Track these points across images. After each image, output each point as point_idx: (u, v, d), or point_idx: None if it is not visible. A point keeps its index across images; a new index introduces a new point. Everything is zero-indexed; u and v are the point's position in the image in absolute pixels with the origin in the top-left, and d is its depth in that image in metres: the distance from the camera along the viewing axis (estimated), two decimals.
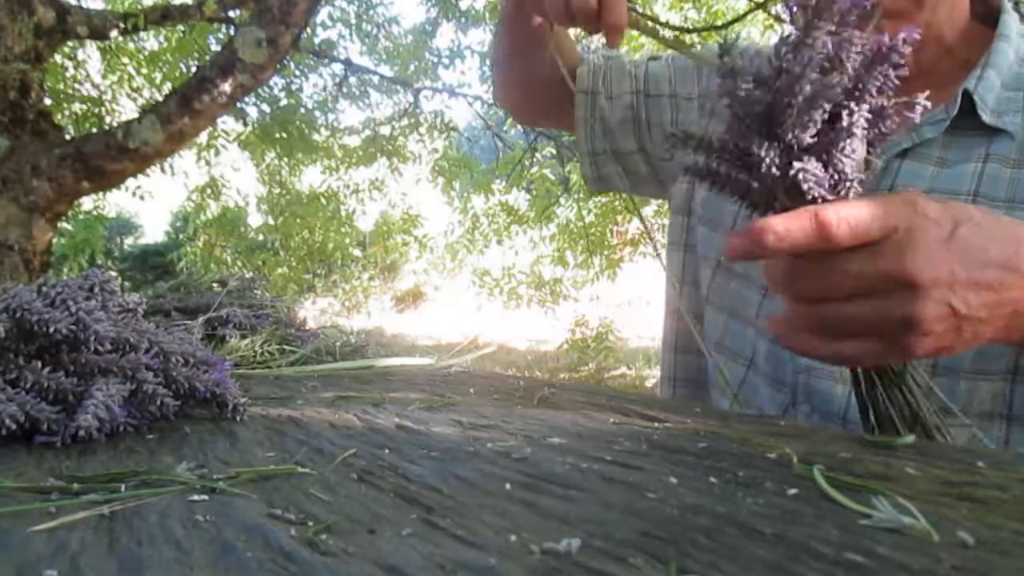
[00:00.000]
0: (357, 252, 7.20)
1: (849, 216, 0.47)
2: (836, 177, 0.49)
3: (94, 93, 5.17)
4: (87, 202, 5.31)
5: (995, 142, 0.77)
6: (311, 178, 6.58)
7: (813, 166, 0.48)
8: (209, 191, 5.96)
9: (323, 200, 6.22)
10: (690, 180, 0.95)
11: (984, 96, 0.78)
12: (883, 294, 0.48)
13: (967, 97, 0.78)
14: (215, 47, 4.76)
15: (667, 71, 1.03)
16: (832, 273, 0.49)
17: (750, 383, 0.90)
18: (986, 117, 0.77)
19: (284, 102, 5.49)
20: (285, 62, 4.85)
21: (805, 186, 0.48)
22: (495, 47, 1.09)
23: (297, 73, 5.64)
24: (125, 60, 5.28)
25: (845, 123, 0.48)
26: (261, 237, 6.49)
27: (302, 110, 5.61)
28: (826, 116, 0.48)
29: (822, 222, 0.47)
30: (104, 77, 5.29)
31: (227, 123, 5.35)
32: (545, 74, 0.98)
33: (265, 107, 5.40)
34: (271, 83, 5.19)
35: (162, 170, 5.43)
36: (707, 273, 0.95)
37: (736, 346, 0.91)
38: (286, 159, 5.87)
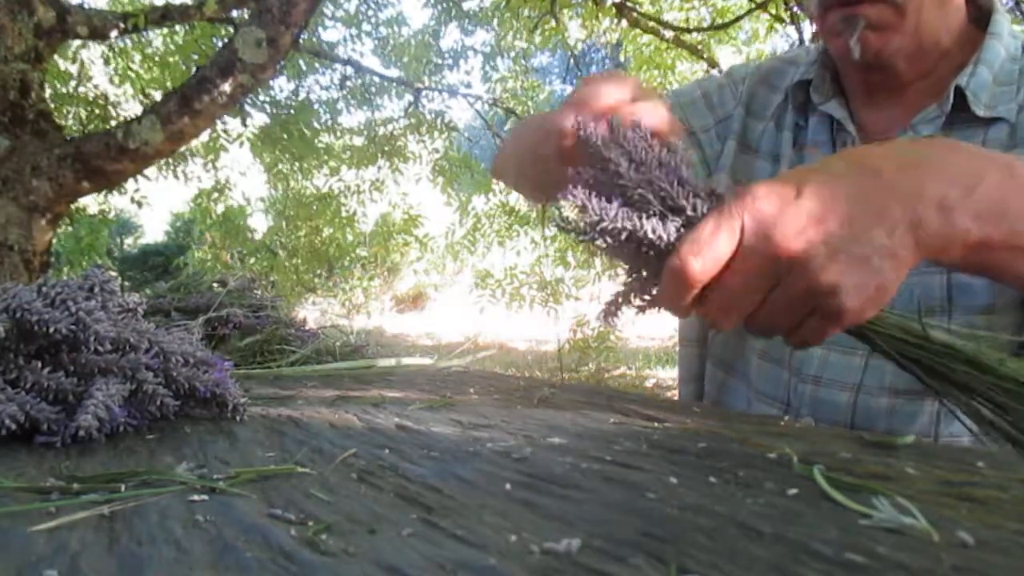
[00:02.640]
0: (362, 252, 7.20)
1: (692, 248, 0.47)
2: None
3: (99, 95, 5.17)
4: (92, 205, 5.31)
5: (991, 129, 0.80)
6: (316, 180, 6.59)
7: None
8: (216, 195, 5.98)
9: (327, 201, 6.23)
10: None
11: (976, 91, 0.79)
12: (781, 281, 0.48)
13: (959, 93, 0.80)
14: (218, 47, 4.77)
15: (678, 112, 0.99)
16: (732, 296, 0.49)
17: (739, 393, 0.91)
18: (979, 111, 0.79)
19: (289, 105, 5.49)
20: (291, 64, 4.86)
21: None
22: (506, 164, 0.89)
23: (303, 71, 5.64)
24: (132, 64, 5.29)
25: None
26: (267, 239, 6.50)
27: (309, 110, 5.62)
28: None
29: (678, 274, 0.48)
30: (111, 81, 5.29)
31: (229, 124, 5.35)
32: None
33: (268, 108, 5.41)
34: (276, 87, 5.20)
35: (175, 176, 5.45)
36: None
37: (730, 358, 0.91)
38: (295, 163, 5.88)
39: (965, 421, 0.50)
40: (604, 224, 0.49)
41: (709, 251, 0.47)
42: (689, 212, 0.50)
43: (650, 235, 0.49)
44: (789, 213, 0.47)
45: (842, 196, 0.48)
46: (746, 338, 0.93)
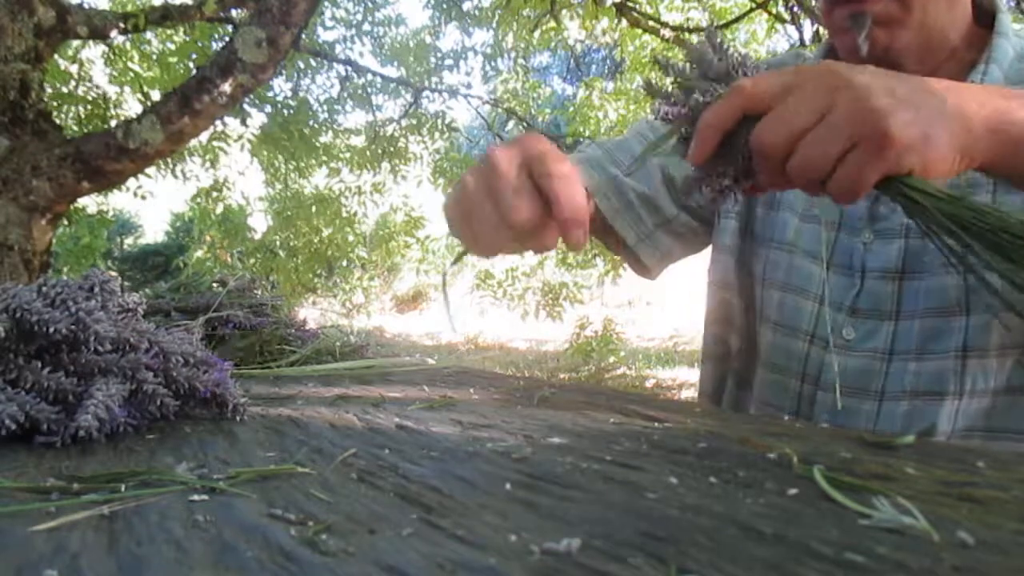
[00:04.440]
0: (362, 252, 7.20)
1: (755, 77, 0.55)
2: None
3: (99, 95, 5.16)
4: (91, 205, 5.31)
5: None
6: (316, 180, 6.60)
7: None
8: (215, 193, 5.97)
9: (327, 202, 6.23)
10: (738, 212, 0.94)
11: None
12: (836, 103, 0.51)
13: None
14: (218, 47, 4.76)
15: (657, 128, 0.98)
16: (785, 111, 0.52)
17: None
18: None
19: (289, 105, 5.49)
20: (291, 64, 4.85)
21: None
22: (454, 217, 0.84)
23: (302, 71, 5.64)
24: (132, 63, 5.28)
25: None
26: (267, 239, 6.50)
27: (308, 111, 5.61)
28: None
29: (736, 88, 0.54)
30: (111, 81, 5.29)
31: (230, 124, 5.35)
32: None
33: (269, 108, 5.41)
34: (276, 87, 5.19)
35: (174, 175, 5.45)
36: (771, 295, 0.92)
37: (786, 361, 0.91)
38: (295, 163, 5.88)
39: (995, 298, 0.52)
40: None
41: (767, 77, 0.54)
42: None
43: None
44: (860, 68, 0.53)
45: (899, 76, 0.54)
46: (757, 348, 0.93)
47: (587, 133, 5.93)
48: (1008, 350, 0.78)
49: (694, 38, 5.52)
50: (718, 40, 0.61)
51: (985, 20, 0.85)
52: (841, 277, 0.84)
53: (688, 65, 0.61)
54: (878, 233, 0.83)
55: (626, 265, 1.09)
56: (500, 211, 0.58)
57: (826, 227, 0.86)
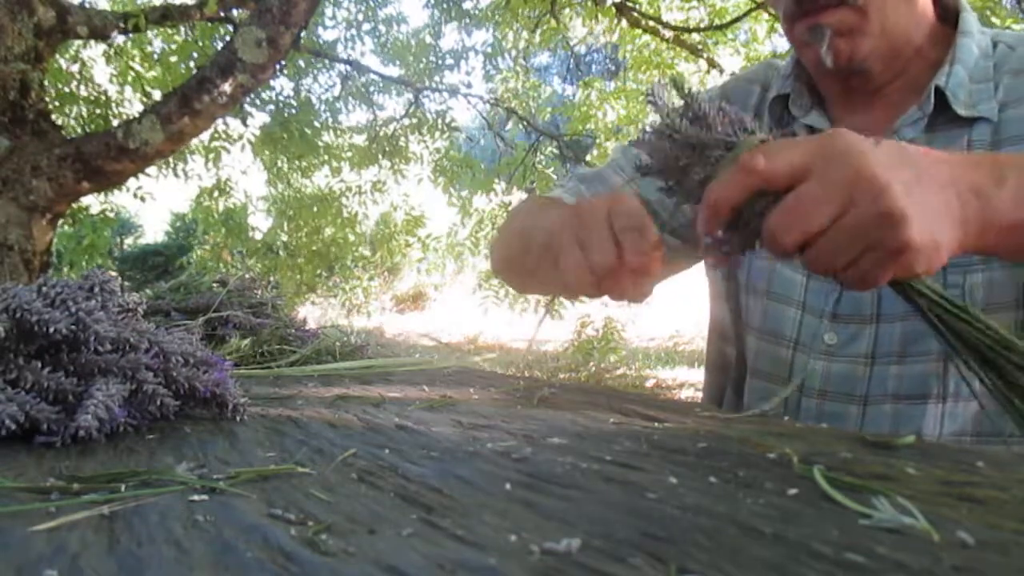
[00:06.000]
0: (365, 252, 7.20)
1: (765, 151, 0.51)
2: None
3: (99, 93, 5.16)
4: (94, 205, 5.31)
5: (975, 129, 0.80)
6: (316, 180, 6.59)
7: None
8: (216, 193, 5.97)
9: (328, 202, 6.23)
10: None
11: (955, 91, 0.80)
12: (853, 203, 0.49)
13: (939, 93, 0.80)
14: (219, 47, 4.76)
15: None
16: (800, 206, 0.50)
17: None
18: (960, 110, 0.80)
19: (290, 105, 5.49)
20: (291, 64, 4.85)
21: None
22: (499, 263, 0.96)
23: (303, 70, 5.64)
24: (132, 62, 5.28)
25: None
26: (268, 239, 6.50)
27: (310, 111, 5.61)
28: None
29: (748, 166, 0.51)
30: (111, 80, 5.29)
31: (230, 124, 5.35)
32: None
33: (271, 108, 5.41)
34: (278, 87, 5.19)
35: (175, 174, 5.45)
36: (755, 302, 0.93)
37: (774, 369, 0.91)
38: (296, 162, 5.88)
39: (978, 384, 0.52)
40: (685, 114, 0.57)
41: (779, 153, 0.51)
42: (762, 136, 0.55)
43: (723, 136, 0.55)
44: (870, 147, 0.51)
45: (910, 160, 0.52)
46: (746, 356, 0.93)
47: (589, 130, 5.94)
48: (914, 357, 0.79)
49: (694, 36, 5.52)
50: (703, 101, 0.58)
51: (950, 18, 0.86)
52: (821, 283, 0.84)
53: (677, 113, 0.59)
54: None
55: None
56: (586, 257, 0.61)
57: None
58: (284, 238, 6.46)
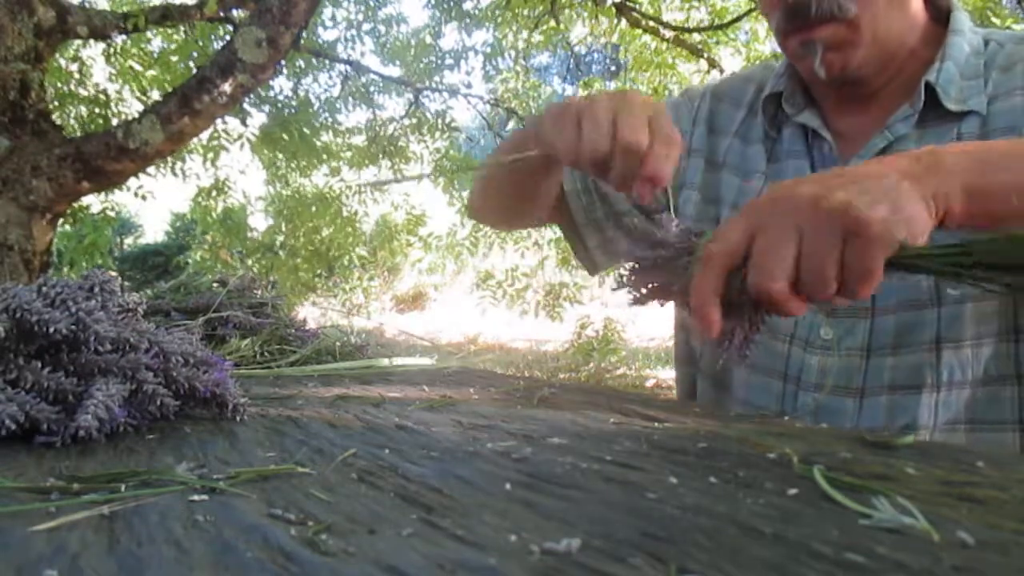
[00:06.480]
0: (363, 251, 7.20)
1: (715, 236, 0.55)
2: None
3: (99, 92, 5.16)
4: (95, 204, 5.31)
5: (964, 123, 0.81)
6: (316, 179, 6.59)
7: None
8: (215, 192, 5.97)
9: (327, 201, 6.23)
10: (711, 219, 0.97)
11: (945, 86, 0.81)
12: (803, 223, 0.52)
13: (930, 89, 0.81)
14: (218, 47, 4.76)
15: None
16: (765, 251, 0.53)
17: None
18: (950, 105, 0.81)
19: (289, 106, 5.49)
20: (291, 64, 4.85)
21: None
22: (481, 197, 1.05)
23: (303, 70, 5.64)
24: (132, 63, 5.28)
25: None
26: (267, 239, 6.50)
27: (309, 111, 5.61)
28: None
29: (706, 257, 0.55)
30: (111, 79, 5.29)
31: (230, 124, 5.35)
32: (540, 213, 1.01)
33: (269, 108, 5.40)
34: (276, 87, 5.19)
35: (174, 174, 5.45)
36: None
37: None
38: (296, 162, 5.88)
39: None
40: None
41: (726, 229, 0.54)
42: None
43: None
44: (797, 180, 0.55)
45: (841, 170, 0.56)
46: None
47: None
48: (983, 340, 0.79)
49: (695, 36, 5.52)
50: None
51: (942, 18, 0.86)
52: None
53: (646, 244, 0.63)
54: None
55: (576, 260, 1.16)
56: (580, 135, 0.66)
57: None
58: (283, 238, 6.45)
